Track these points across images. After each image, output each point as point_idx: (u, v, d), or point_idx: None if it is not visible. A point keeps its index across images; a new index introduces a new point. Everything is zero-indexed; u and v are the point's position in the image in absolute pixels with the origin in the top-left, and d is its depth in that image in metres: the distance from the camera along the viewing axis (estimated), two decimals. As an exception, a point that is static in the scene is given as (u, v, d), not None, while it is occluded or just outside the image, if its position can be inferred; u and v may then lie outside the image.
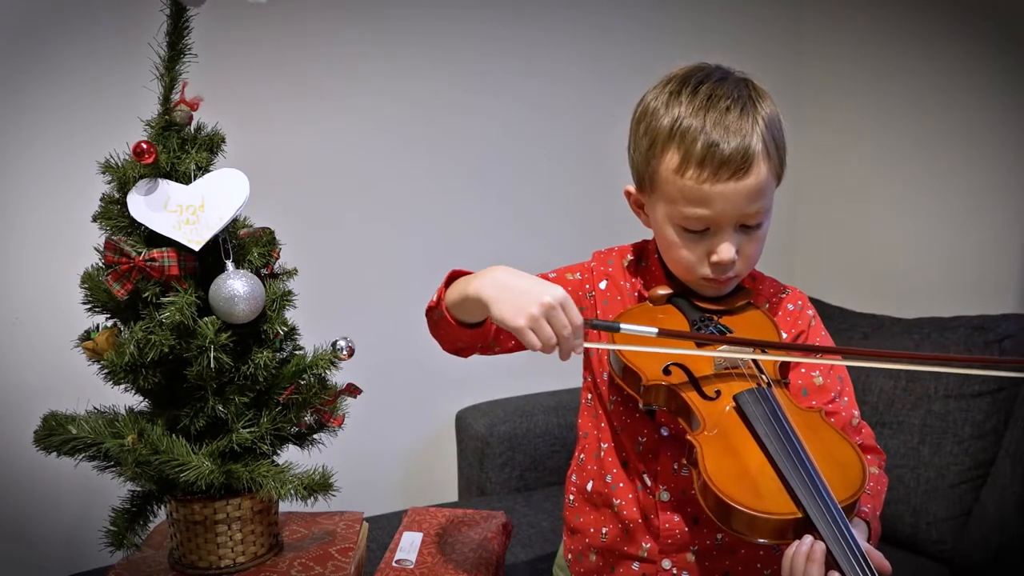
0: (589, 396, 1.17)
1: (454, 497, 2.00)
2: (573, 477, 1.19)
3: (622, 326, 0.98)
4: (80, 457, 1.03)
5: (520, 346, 1.12)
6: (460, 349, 1.12)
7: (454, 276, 1.06)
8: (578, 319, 0.94)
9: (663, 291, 1.09)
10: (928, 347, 1.63)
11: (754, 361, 1.03)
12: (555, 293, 0.93)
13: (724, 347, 1.03)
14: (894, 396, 1.64)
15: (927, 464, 1.58)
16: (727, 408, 0.98)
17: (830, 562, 0.84)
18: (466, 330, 1.05)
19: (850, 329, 1.78)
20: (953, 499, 1.55)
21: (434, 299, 1.07)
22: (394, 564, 1.18)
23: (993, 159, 1.83)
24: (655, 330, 0.98)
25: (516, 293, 0.94)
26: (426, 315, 1.10)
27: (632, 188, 1.10)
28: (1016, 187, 1.79)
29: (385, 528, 1.49)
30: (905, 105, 2.00)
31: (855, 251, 2.17)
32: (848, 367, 1.14)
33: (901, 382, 1.64)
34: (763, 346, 1.04)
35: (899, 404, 1.63)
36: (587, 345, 1.00)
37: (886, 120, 2.05)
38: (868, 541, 0.99)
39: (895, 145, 2.04)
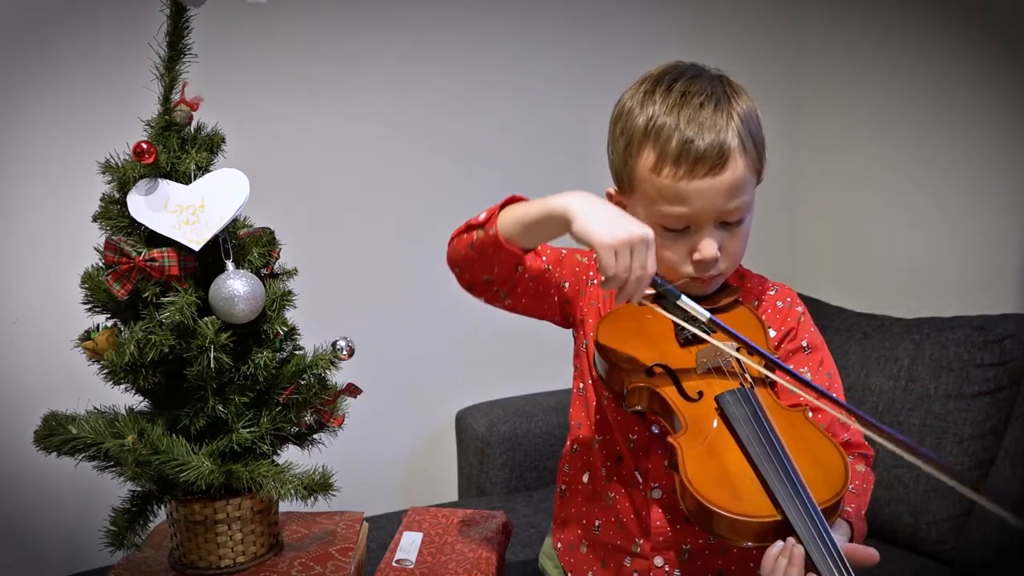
0: (581, 385, 1.17)
1: (454, 497, 2.00)
2: (566, 467, 1.19)
3: (683, 296, 0.96)
4: (80, 457, 1.03)
5: (532, 308, 1.11)
6: (480, 283, 1.08)
7: (511, 201, 1.03)
8: (653, 267, 0.92)
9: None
10: (928, 347, 1.63)
11: (737, 361, 1.02)
12: (647, 231, 0.91)
13: (704, 348, 1.02)
14: (894, 396, 1.64)
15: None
16: (709, 409, 0.97)
17: (809, 564, 0.84)
18: (514, 251, 1.00)
19: (850, 329, 1.77)
20: (953, 499, 1.55)
21: (481, 217, 1.02)
22: (394, 564, 1.18)
23: (994, 159, 1.83)
24: (708, 314, 0.96)
25: (611, 214, 0.92)
26: (454, 237, 1.06)
27: (613, 190, 1.10)
28: (1016, 187, 1.79)
29: (385, 528, 1.49)
30: (906, 104, 2.00)
31: (855, 251, 2.17)
32: (842, 368, 1.13)
33: (901, 382, 1.64)
34: (756, 352, 1.01)
35: (899, 404, 1.63)
36: (646, 297, 0.97)
37: (886, 119, 2.05)
38: (851, 541, 0.98)
39: (895, 144, 2.04)
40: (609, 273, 0.90)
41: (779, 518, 0.86)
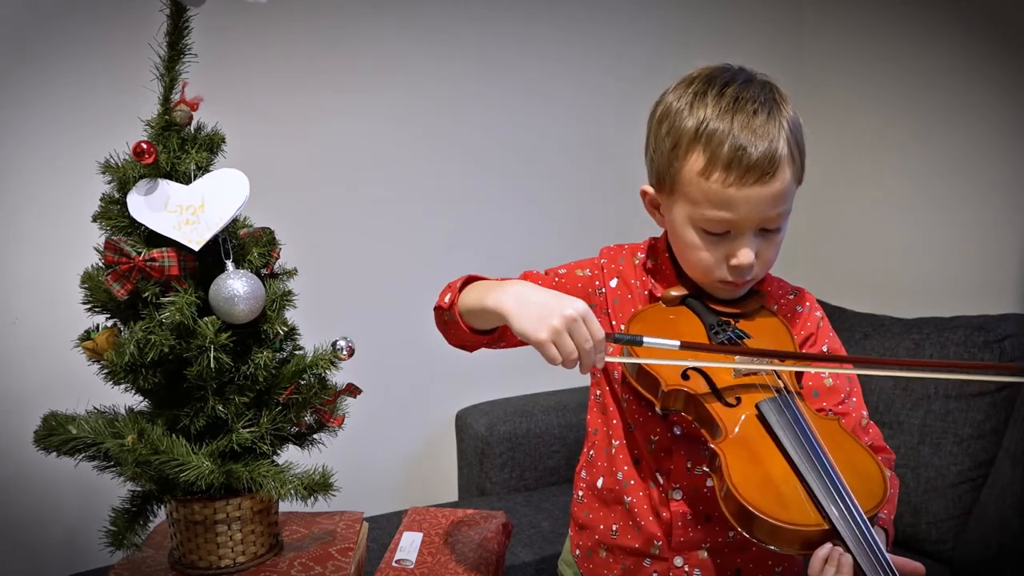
0: (598, 392, 1.17)
1: (454, 497, 2.01)
2: (583, 473, 1.19)
3: (645, 339, 0.96)
4: (80, 457, 1.03)
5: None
6: (466, 346, 1.13)
7: (469, 280, 1.06)
8: (599, 333, 0.93)
9: (676, 292, 1.08)
10: (928, 347, 1.63)
11: (773, 368, 1.02)
12: (577, 307, 0.93)
13: (740, 357, 1.01)
14: (894, 396, 1.64)
15: (927, 464, 1.58)
16: (749, 416, 0.97)
17: (858, 574, 0.84)
18: (477, 336, 1.06)
19: (850, 329, 1.78)
20: (953, 499, 1.55)
21: (446, 301, 1.07)
22: (394, 564, 1.18)
23: (994, 158, 1.83)
24: (677, 343, 0.97)
25: (538, 306, 0.94)
26: (434, 311, 1.11)
27: (649, 188, 1.10)
28: (1017, 186, 1.79)
29: (385, 528, 1.49)
30: (906, 103, 2.00)
31: (855, 251, 2.17)
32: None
33: (901, 382, 1.64)
34: (780, 356, 1.02)
35: (899, 404, 1.63)
36: (609, 359, 0.99)
37: (886, 119, 2.05)
38: (886, 548, 0.98)
39: (895, 144, 2.04)
40: (556, 362, 0.93)
41: (826, 527, 0.86)
